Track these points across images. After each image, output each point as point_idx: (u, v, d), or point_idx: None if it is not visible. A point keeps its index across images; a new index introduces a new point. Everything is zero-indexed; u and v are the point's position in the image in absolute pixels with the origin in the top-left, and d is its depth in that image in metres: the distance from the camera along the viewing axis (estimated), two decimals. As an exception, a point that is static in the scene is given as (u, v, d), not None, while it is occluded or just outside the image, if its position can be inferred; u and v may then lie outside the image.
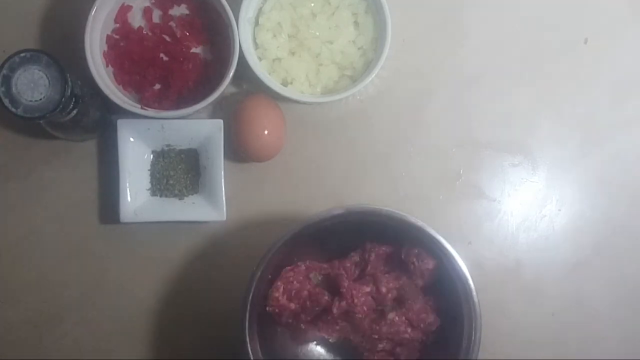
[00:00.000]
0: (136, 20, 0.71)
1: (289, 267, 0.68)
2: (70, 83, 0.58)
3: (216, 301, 0.72)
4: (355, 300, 0.65)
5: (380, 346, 0.68)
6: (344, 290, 0.65)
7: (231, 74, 0.67)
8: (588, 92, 0.75)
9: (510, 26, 0.75)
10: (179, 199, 0.72)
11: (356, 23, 0.71)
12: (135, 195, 0.70)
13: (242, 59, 0.67)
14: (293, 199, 0.73)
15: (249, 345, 0.63)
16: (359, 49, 0.71)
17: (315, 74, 0.71)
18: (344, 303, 0.65)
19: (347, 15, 0.70)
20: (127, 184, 0.70)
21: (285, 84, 0.71)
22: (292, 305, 0.66)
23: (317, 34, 0.70)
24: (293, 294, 0.66)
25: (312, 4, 0.70)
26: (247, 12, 0.69)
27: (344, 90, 0.68)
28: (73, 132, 0.68)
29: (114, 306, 0.73)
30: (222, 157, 0.70)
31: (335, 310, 0.65)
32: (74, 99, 0.60)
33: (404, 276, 0.67)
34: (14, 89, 0.57)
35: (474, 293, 0.62)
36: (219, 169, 0.70)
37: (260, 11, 0.71)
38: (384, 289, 0.66)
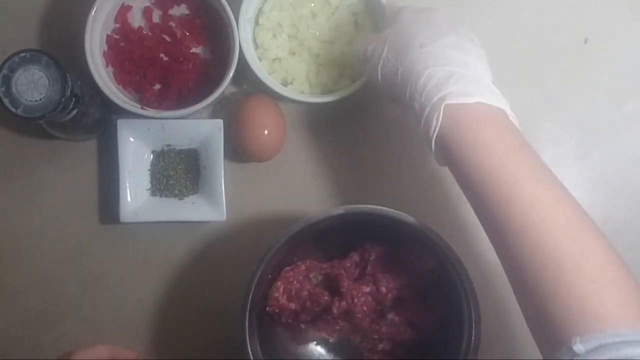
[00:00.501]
0: (136, 20, 0.71)
1: (289, 267, 0.68)
2: (70, 83, 0.58)
3: (216, 301, 0.72)
4: (355, 300, 0.65)
5: (380, 346, 0.68)
6: (344, 290, 0.65)
7: (231, 74, 0.67)
8: (588, 92, 0.75)
9: (510, 26, 0.75)
10: (179, 199, 0.72)
11: (356, 23, 0.71)
12: (135, 195, 0.70)
13: (242, 59, 0.67)
14: (293, 199, 0.73)
15: (249, 345, 0.63)
16: None
17: (315, 74, 0.71)
18: (344, 303, 0.65)
19: (347, 15, 0.70)
20: (127, 184, 0.70)
21: (285, 84, 0.71)
22: (292, 305, 0.66)
23: (317, 34, 0.70)
24: (293, 294, 0.66)
25: (312, 4, 0.70)
26: (247, 12, 0.69)
27: (344, 90, 0.68)
28: (73, 132, 0.68)
29: (114, 306, 0.73)
30: (222, 157, 0.70)
31: (335, 310, 0.65)
32: (74, 99, 0.60)
33: (404, 276, 0.67)
34: (14, 89, 0.57)
35: (474, 293, 0.62)
36: (219, 169, 0.70)
37: (260, 11, 0.71)
38: (384, 289, 0.66)
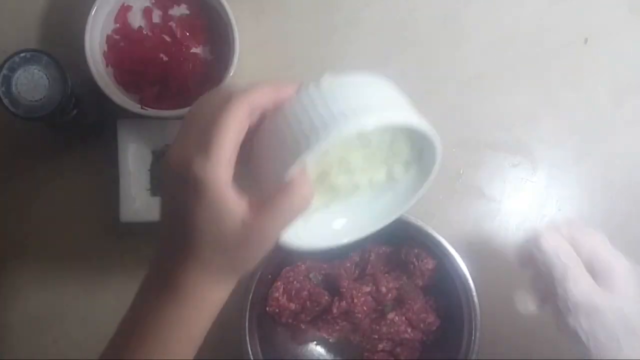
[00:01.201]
0: (136, 20, 0.71)
1: (289, 267, 0.68)
2: (70, 83, 0.58)
3: (216, 301, 0.72)
4: (355, 300, 0.65)
5: (380, 346, 0.68)
6: (344, 290, 0.65)
7: (231, 74, 0.67)
8: (588, 92, 0.75)
9: (510, 26, 0.75)
10: (179, 199, 0.72)
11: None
12: (135, 195, 0.70)
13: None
14: (293, 199, 0.73)
15: (249, 345, 0.63)
16: None
17: None
18: (344, 303, 0.65)
19: None
20: (127, 184, 0.70)
21: None
22: (292, 305, 0.66)
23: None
24: (293, 294, 0.66)
25: None
26: None
27: None
28: (73, 132, 0.68)
29: (114, 306, 0.72)
30: (222, 157, 0.70)
31: (335, 310, 0.65)
32: (74, 99, 0.60)
33: (404, 276, 0.67)
34: (14, 89, 0.57)
35: (474, 293, 0.62)
36: (219, 169, 0.70)
37: None
38: (383, 289, 0.66)
